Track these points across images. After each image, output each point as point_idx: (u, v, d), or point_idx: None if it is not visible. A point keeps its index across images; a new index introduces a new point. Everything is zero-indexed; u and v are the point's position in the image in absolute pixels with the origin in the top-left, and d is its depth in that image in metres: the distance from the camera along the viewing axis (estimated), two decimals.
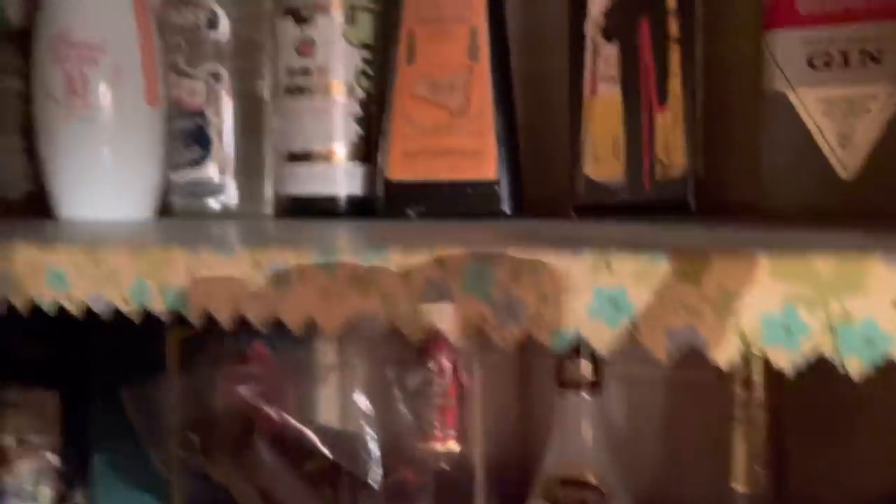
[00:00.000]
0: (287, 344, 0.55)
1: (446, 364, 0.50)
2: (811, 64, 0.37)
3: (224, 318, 0.29)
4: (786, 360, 0.20)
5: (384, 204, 0.47)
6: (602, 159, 0.42)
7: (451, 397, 0.50)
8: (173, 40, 0.54)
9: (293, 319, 0.27)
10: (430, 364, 0.50)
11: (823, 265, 0.20)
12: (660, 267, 0.22)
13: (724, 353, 0.21)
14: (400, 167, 0.47)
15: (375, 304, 0.26)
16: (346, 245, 0.27)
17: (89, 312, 0.31)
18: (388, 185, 0.47)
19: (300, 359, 0.55)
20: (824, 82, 0.37)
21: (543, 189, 0.47)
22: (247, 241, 0.32)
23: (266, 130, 0.55)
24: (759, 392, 0.42)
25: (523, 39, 0.50)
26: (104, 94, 0.52)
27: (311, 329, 0.27)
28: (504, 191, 0.45)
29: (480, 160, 0.45)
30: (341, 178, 0.50)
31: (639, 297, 0.22)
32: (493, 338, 0.24)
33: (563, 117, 0.44)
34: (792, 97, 0.37)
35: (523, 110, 0.48)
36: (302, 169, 0.50)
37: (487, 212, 0.45)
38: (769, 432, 0.42)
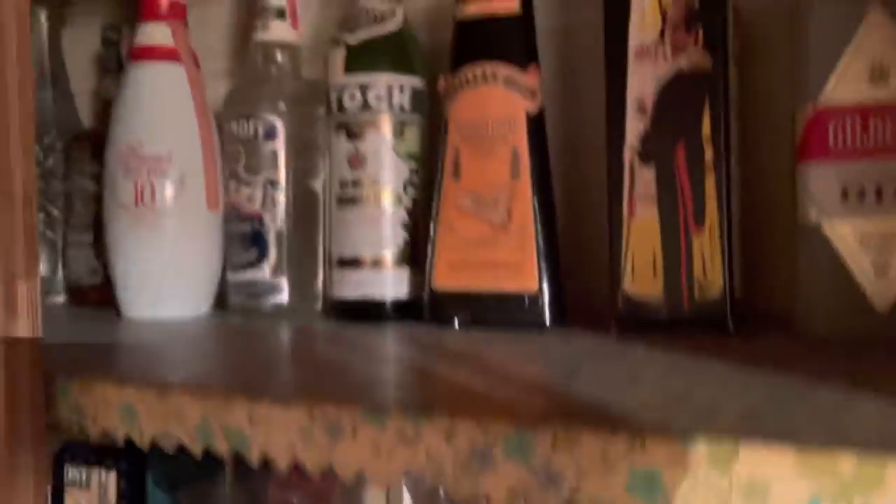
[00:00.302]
0: None
1: None
2: (845, 196, 0.38)
3: (282, 464, 0.31)
4: None
5: (429, 311, 0.49)
6: (641, 277, 0.44)
7: None
8: (233, 149, 0.57)
9: (345, 472, 0.29)
10: None
11: (847, 464, 0.21)
12: (692, 451, 0.23)
13: None
14: (445, 277, 0.49)
15: (422, 463, 0.28)
16: (395, 405, 0.29)
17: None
18: (433, 294, 0.49)
19: None
20: (858, 215, 0.38)
21: (589, 296, 0.49)
22: (304, 386, 0.34)
23: (320, 229, 0.58)
24: None
25: (562, 149, 0.53)
26: (169, 201, 0.56)
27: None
28: (545, 303, 0.47)
29: (522, 273, 0.47)
30: (388, 283, 0.53)
31: (672, 478, 0.23)
32: None
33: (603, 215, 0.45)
34: (826, 229, 0.38)
35: (567, 217, 0.50)
36: (351, 274, 0.53)
37: (529, 323, 0.47)
38: None
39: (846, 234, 0.38)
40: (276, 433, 0.31)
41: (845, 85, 0.38)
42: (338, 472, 0.30)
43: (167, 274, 0.56)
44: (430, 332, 0.47)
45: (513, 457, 0.26)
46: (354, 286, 0.53)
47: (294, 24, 0.60)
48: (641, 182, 0.44)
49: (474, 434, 0.27)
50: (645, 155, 0.43)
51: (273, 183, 0.57)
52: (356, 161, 0.53)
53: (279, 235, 0.57)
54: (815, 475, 0.21)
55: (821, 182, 0.39)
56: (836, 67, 0.38)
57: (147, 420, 0.34)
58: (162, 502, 0.52)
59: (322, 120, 0.56)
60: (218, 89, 0.64)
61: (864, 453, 0.21)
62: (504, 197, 0.47)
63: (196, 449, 0.33)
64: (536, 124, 0.48)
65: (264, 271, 0.57)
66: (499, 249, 0.48)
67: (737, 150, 0.43)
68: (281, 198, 0.57)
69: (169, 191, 0.55)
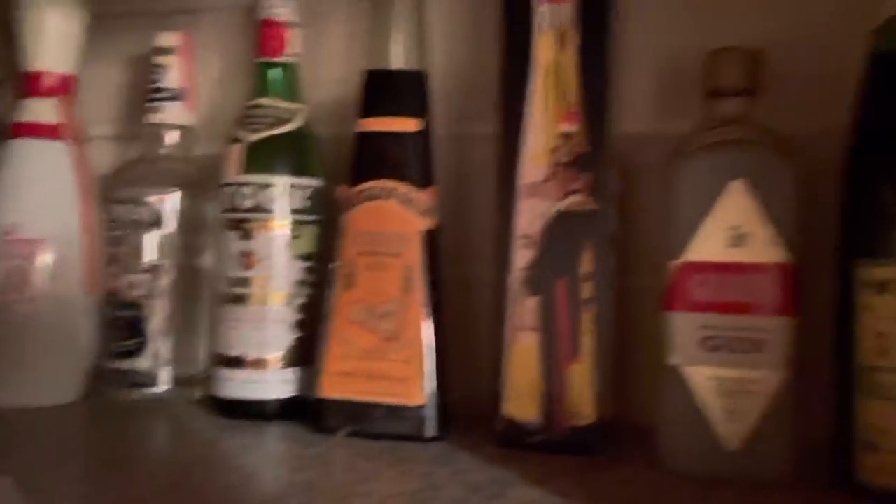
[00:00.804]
0: None
1: None
2: (703, 344, 0.42)
3: None
4: None
5: (316, 419, 0.50)
6: (521, 400, 0.46)
7: None
8: (117, 233, 0.56)
9: None
10: None
11: None
12: None
13: None
14: (332, 386, 0.49)
15: None
16: None
17: None
18: (320, 402, 0.50)
19: None
20: (714, 363, 0.42)
21: (470, 409, 0.50)
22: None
23: (206, 314, 0.57)
24: None
25: (454, 259, 0.55)
26: (43, 286, 0.53)
27: None
28: (428, 416, 0.48)
29: (408, 386, 0.48)
30: (272, 384, 0.52)
31: None
32: None
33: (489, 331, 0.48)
34: (686, 373, 0.42)
35: (453, 326, 0.52)
36: (234, 373, 0.52)
37: (411, 435, 0.48)
38: None
39: (702, 379, 0.42)
40: None
41: (708, 245, 0.42)
42: None
43: (36, 359, 0.53)
44: (293, 438, 0.48)
45: None
46: (237, 385, 0.52)
47: (189, 107, 0.59)
48: (525, 311, 0.46)
49: None
50: (529, 286, 0.46)
51: (157, 269, 0.56)
52: (248, 261, 0.52)
53: (161, 324, 0.55)
54: None
55: (682, 329, 0.42)
56: (700, 228, 0.42)
57: None
58: None
59: (213, 202, 0.56)
60: (107, 156, 0.62)
61: None
62: (395, 310, 0.49)
63: None
64: (430, 242, 0.49)
65: (144, 361, 0.55)
66: (387, 361, 0.49)
67: (615, 289, 0.46)
68: (164, 284, 0.56)
69: (43, 275, 0.53)
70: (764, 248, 0.41)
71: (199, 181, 0.58)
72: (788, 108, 0.48)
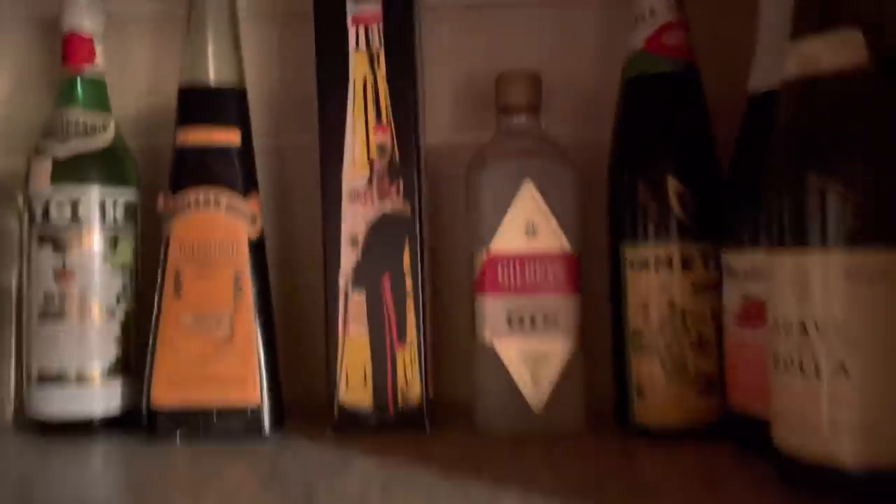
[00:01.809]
0: None
1: None
2: (510, 322, 0.49)
3: None
4: None
5: (147, 427, 0.50)
6: (354, 388, 0.50)
7: None
8: None
9: None
10: None
11: None
12: None
13: None
14: (164, 393, 0.50)
15: None
16: None
17: None
18: (152, 411, 0.50)
19: None
20: (519, 337, 0.49)
21: (305, 408, 0.53)
22: None
23: (11, 334, 0.54)
24: None
25: (280, 265, 0.58)
26: None
27: None
28: (264, 412, 0.51)
29: (244, 385, 0.50)
30: (96, 399, 0.52)
31: None
32: None
33: (318, 331, 0.51)
34: (496, 347, 0.49)
35: (282, 330, 0.54)
36: (54, 391, 0.51)
37: (249, 433, 0.50)
38: None
39: (510, 352, 0.49)
40: None
41: (507, 238, 0.49)
42: None
43: None
44: (127, 450, 0.48)
45: None
46: (58, 402, 0.51)
47: None
48: (354, 305, 0.51)
49: None
50: (356, 282, 0.51)
51: None
52: (63, 275, 0.51)
53: None
54: None
55: (492, 310, 0.49)
56: (500, 225, 0.49)
57: None
58: None
59: (14, 214, 0.53)
60: None
61: None
62: (227, 314, 0.51)
63: None
64: (257, 248, 0.52)
65: None
66: (221, 364, 0.50)
67: (429, 281, 0.52)
68: None
69: None
70: (552, 239, 0.50)
71: None
72: (565, 121, 0.58)
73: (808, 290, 0.34)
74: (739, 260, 0.43)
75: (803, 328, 0.35)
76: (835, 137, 0.34)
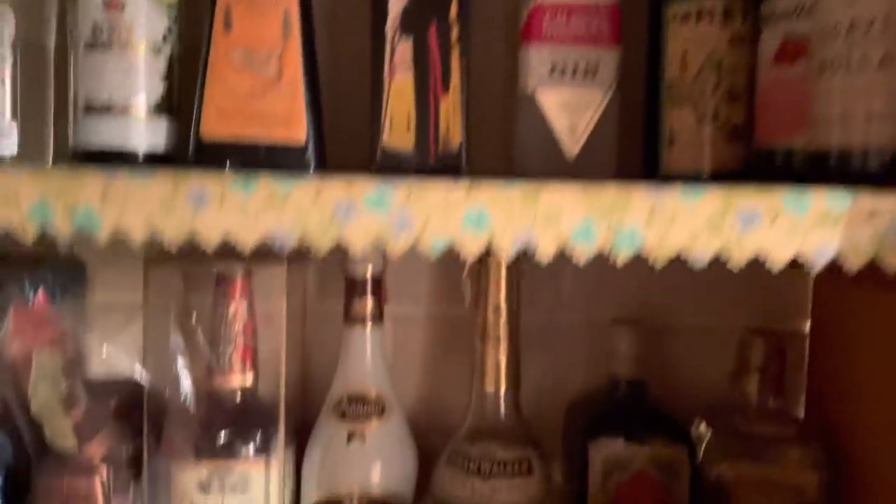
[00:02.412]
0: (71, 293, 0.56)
1: (242, 306, 0.56)
2: (552, 72, 0.51)
3: (138, 237, 0.33)
4: (584, 254, 0.33)
5: (195, 158, 0.52)
6: (396, 132, 0.52)
7: (248, 336, 0.56)
8: None
9: (209, 238, 0.33)
10: (230, 305, 0.55)
11: (608, 195, 0.33)
12: (510, 193, 0.33)
13: (547, 253, 0.33)
14: (213, 127, 0.52)
15: (289, 221, 0.33)
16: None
17: None
18: (201, 143, 0.51)
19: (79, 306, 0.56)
20: (561, 87, 0.51)
21: (346, 151, 0.55)
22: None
23: (49, 81, 0.55)
24: (505, 316, 0.56)
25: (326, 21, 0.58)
26: None
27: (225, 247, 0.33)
28: (310, 150, 0.52)
29: (290, 123, 0.52)
30: (141, 132, 0.53)
31: (495, 213, 0.33)
32: (389, 246, 0.33)
33: (356, 95, 0.53)
34: (538, 97, 0.51)
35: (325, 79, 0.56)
36: (100, 122, 0.52)
37: (295, 170, 0.52)
38: (512, 347, 0.56)
39: (550, 101, 0.51)
40: (132, 208, 0.33)
41: None
42: (201, 239, 0.33)
43: None
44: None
45: (373, 209, 0.33)
46: (105, 133, 0.52)
47: None
48: (400, 52, 0.52)
49: (338, 193, 0.33)
50: (404, 29, 0.52)
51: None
52: (112, 5, 0.51)
53: (5, 82, 0.53)
54: (589, 203, 0.33)
55: (535, 60, 0.51)
56: None
57: None
58: None
59: None
60: None
61: (619, 189, 0.33)
62: (275, 53, 0.52)
63: (30, 232, 0.33)
64: None
65: None
66: (268, 102, 0.52)
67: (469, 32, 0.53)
68: (7, 42, 0.53)
69: None
70: None
71: None
72: None
73: None
74: (780, 2, 0.46)
75: (851, 26, 0.37)
76: None
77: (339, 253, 0.33)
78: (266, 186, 0.33)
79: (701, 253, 0.33)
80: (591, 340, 0.63)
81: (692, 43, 0.50)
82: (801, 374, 0.62)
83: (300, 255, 0.64)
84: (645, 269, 0.62)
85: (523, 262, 0.55)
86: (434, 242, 0.33)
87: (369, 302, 0.57)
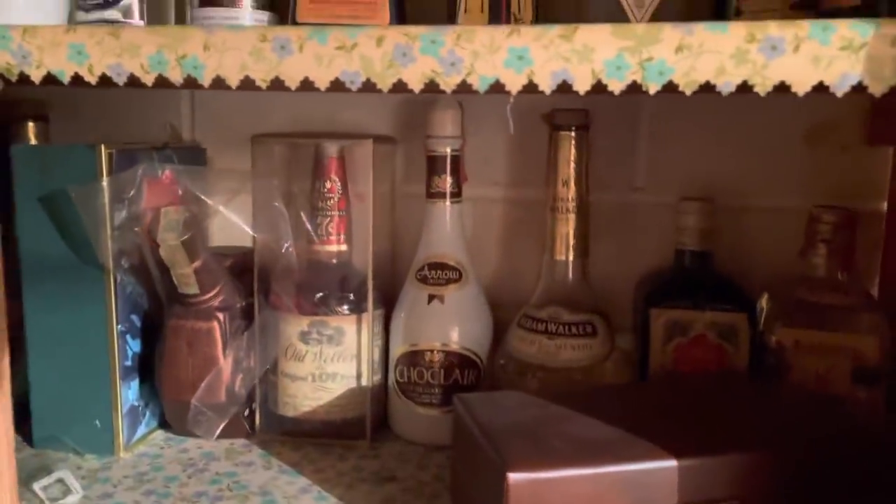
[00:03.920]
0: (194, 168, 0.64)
1: (338, 182, 0.62)
2: None
3: (234, 82, 0.39)
4: (617, 87, 0.36)
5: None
6: (472, 12, 0.56)
7: (342, 209, 0.62)
8: None
9: (292, 81, 0.39)
10: (327, 182, 0.62)
11: (639, 29, 0.36)
12: (550, 31, 0.36)
13: (583, 85, 0.36)
14: (307, 11, 0.57)
15: (356, 65, 0.38)
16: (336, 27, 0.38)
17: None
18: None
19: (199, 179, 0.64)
20: None
21: None
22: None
23: None
24: (574, 188, 0.59)
25: None
26: None
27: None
28: None
29: (375, 10, 0.57)
30: (246, 19, 0.59)
31: (535, 51, 0.36)
32: (440, 85, 0.37)
33: None
34: None
35: None
36: (211, 12, 0.59)
37: None
38: (580, 218, 0.60)
39: None
40: (229, 57, 0.39)
41: None
42: (285, 83, 0.39)
43: None
44: None
45: (426, 52, 0.37)
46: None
47: None
48: None
49: (398, 38, 0.38)
50: None
51: None
52: None
53: None
54: (621, 38, 0.36)
55: None
56: None
57: (98, 56, 0.40)
58: None
59: None
60: None
61: (649, 24, 0.36)
62: None
63: (148, 79, 0.40)
64: None
65: None
66: None
67: None
68: None
69: None
70: None
71: None
72: None
73: None
74: None
75: None
76: None
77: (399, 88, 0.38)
78: (337, 36, 0.38)
79: (727, 83, 0.35)
80: (662, 222, 0.65)
81: None
82: (878, 252, 0.62)
83: (388, 140, 0.69)
84: (716, 152, 0.64)
85: (589, 136, 0.59)
86: (481, 80, 0.37)
87: (448, 179, 0.62)
